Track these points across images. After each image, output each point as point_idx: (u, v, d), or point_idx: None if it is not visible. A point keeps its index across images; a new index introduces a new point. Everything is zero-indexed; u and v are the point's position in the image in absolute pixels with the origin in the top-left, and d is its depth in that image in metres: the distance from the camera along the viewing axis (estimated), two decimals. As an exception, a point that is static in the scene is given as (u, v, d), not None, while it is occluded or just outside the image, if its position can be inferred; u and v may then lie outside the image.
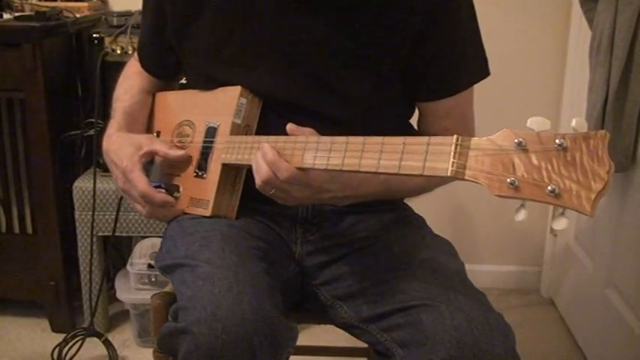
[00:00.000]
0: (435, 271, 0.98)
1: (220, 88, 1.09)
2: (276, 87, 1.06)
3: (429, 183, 1.09)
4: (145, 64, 1.24)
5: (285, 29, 1.03)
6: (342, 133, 0.88)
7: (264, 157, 0.91)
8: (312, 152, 0.88)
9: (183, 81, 1.62)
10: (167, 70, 1.22)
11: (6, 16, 1.84)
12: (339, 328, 1.08)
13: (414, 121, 1.17)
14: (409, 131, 1.16)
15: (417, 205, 1.21)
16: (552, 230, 2.21)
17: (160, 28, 1.14)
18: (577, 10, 1.90)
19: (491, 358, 0.85)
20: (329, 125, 0.99)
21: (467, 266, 1.03)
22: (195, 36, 1.09)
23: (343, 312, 1.03)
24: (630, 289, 1.65)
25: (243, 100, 1.06)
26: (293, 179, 0.90)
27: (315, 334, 1.79)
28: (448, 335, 0.85)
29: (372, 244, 1.07)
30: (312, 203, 0.98)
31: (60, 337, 1.82)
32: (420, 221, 1.17)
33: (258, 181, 0.93)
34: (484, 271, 2.26)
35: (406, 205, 1.21)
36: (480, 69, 1.08)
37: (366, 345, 1.09)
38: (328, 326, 1.11)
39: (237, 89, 1.06)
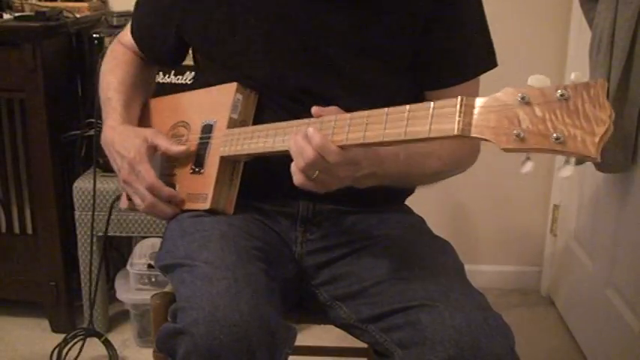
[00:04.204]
0: (434, 271, 0.98)
1: (215, 87, 1.11)
2: (286, 73, 1.06)
3: (445, 166, 1.08)
4: (143, 46, 1.22)
5: (296, 17, 1.04)
6: None
7: (311, 140, 0.87)
8: (330, 129, 0.89)
9: (179, 81, 1.63)
10: (166, 56, 1.22)
11: (6, 16, 1.84)
12: (339, 328, 1.08)
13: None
14: None
15: (417, 205, 1.21)
16: (552, 229, 2.21)
17: (169, 16, 1.14)
18: (577, 10, 1.90)
19: (491, 358, 0.85)
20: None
21: (467, 266, 1.03)
22: (205, 22, 1.10)
23: (342, 312, 1.03)
24: (630, 289, 1.65)
25: (239, 96, 1.07)
26: (342, 160, 0.87)
27: (315, 334, 1.79)
28: (447, 335, 0.86)
29: (371, 245, 1.07)
30: (349, 184, 0.94)
31: (60, 337, 1.82)
32: (420, 221, 1.17)
33: (301, 164, 0.88)
34: (484, 271, 2.26)
35: (406, 205, 1.21)
36: (487, 59, 1.09)
37: (366, 345, 1.09)
38: (328, 326, 1.11)
39: (234, 85, 1.07)
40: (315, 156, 0.87)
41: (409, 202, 1.22)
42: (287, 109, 1.06)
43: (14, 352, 1.88)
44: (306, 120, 0.93)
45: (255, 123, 1.09)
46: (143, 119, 1.23)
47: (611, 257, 1.74)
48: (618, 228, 1.70)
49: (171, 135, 1.17)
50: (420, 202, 1.22)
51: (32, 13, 1.81)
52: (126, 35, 1.25)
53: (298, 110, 1.03)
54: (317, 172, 0.88)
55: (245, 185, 1.08)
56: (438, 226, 1.17)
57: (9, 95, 1.91)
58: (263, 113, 1.09)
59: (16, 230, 2.11)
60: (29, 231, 2.11)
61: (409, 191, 1.21)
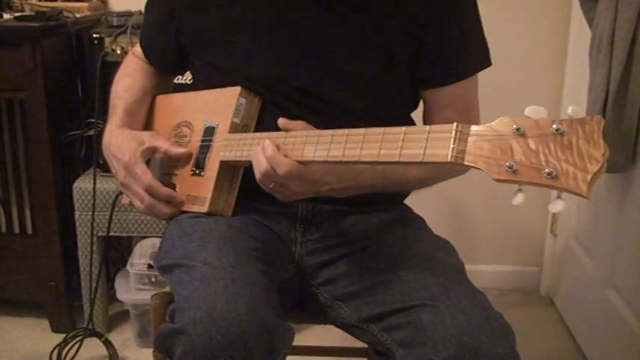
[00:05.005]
0: (435, 271, 0.98)
1: (220, 89, 1.10)
2: (284, 73, 1.06)
3: (429, 174, 1.09)
4: (149, 56, 1.24)
5: (294, 14, 1.04)
6: (346, 122, 0.89)
7: (264, 152, 0.93)
8: (312, 145, 0.90)
9: (179, 81, 1.64)
10: (170, 64, 1.23)
11: (6, 16, 1.84)
12: (339, 328, 1.08)
13: (417, 113, 1.17)
14: (410, 124, 1.17)
15: (417, 205, 1.21)
16: (552, 229, 2.21)
17: (168, 22, 1.15)
18: (577, 10, 1.90)
19: (492, 357, 0.85)
20: (334, 113, 0.99)
21: (467, 266, 1.03)
22: (203, 25, 1.10)
23: (343, 312, 1.03)
24: (630, 289, 1.65)
25: (243, 100, 1.07)
26: (291, 173, 0.91)
27: (315, 334, 1.79)
28: (448, 335, 0.85)
29: (372, 244, 1.07)
30: (311, 196, 0.99)
31: (60, 337, 1.82)
32: (419, 221, 1.17)
33: (257, 174, 0.95)
34: (484, 271, 2.26)
35: (406, 205, 1.21)
36: (482, 58, 1.10)
37: (366, 345, 1.09)
38: (328, 326, 1.11)
39: (237, 89, 1.07)
40: (266, 167, 0.92)
41: (409, 202, 1.22)
42: (287, 110, 1.06)
43: (14, 352, 1.88)
44: (304, 132, 0.93)
45: (256, 126, 1.09)
46: (148, 116, 1.24)
47: (611, 257, 1.74)
48: (618, 228, 1.70)
49: (174, 134, 1.17)
50: (420, 202, 1.22)
51: (32, 13, 1.81)
52: (138, 46, 1.28)
53: (298, 112, 1.03)
54: (272, 183, 0.94)
55: (244, 186, 1.08)
56: (438, 226, 1.17)
57: (9, 95, 1.91)
58: (263, 115, 1.09)
59: (16, 230, 2.11)
60: (29, 231, 2.11)
61: (408, 191, 1.21)
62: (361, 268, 1.04)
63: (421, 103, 1.16)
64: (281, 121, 0.95)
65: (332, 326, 1.10)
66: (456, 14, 1.05)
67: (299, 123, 0.95)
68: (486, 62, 1.10)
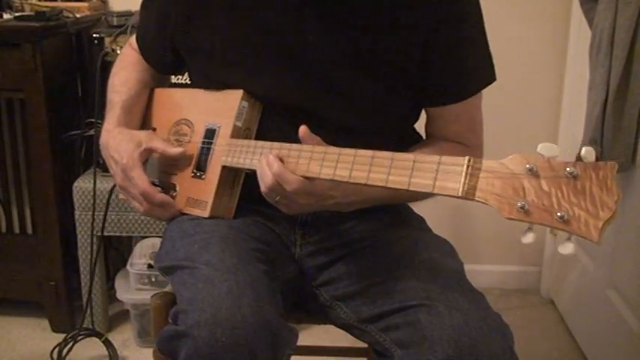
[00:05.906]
0: (434, 271, 0.98)
1: (222, 91, 1.09)
2: (281, 90, 1.05)
3: None
4: (145, 55, 1.23)
5: (290, 31, 1.02)
6: (347, 139, 0.89)
7: (270, 167, 0.92)
8: (318, 162, 0.89)
9: (176, 80, 1.64)
10: (167, 65, 1.22)
11: (6, 16, 1.84)
12: (339, 328, 1.08)
13: (419, 123, 1.17)
14: (414, 138, 1.16)
15: (417, 205, 1.21)
16: (552, 231, 2.20)
17: (164, 24, 1.14)
18: (577, 10, 1.90)
19: (489, 358, 0.85)
20: (334, 130, 0.98)
21: (467, 266, 1.03)
22: (199, 37, 1.09)
23: (342, 312, 1.03)
24: (630, 289, 1.65)
25: (245, 104, 1.06)
26: (299, 190, 0.90)
27: (315, 334, 1.79)
28: (446, 335, 0.85)
29: (371, 245, 1.07)
30: (316, 210, 0.98)
31: (60, 337, 1.82)
32: (419, 221, 1.17)
33: (263, 188, 0.94)
34: (484, 271, 2.26)
35: (406, 205, 1.21)
36: (487, 74, 1.08)
37: (366, 345, 1.09)
38: (328, 326, 1.11)
39: (240, 92, 1.06)
40: (273, 182, 0.91)
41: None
42: (287, 121, 1.05)
43: (14, 352, 1.88)
44: (309, 147, 0.91)
45: (258, 131, 1.08)
46: (147, 109, 1.23)
47: (611, 257, 1.74)
48: (618, 228, 1.70)
49: (174, 132, 1.17)
50: (420, 202, 1.22)
51: (32, 13, 1.81)
52: (134, 38, 1.26)
53: (296, 123, 1.03)
54: (278, 196, 0.94)
55: (245, 189, 1.08)
56: (438, 226, 1.17)
57: (9, 95, 1.91)
58: (263, 121, 1.09)
59: (16, 230, 2.11)
60: (29, 231, 2.11)
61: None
62: (361, 268, 1.04)
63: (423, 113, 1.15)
64: (303, 131, 0.92)
65: (332, 326, 1.10)
66: (460, 32, 1.02)
67: (316, 138, 0.92)
68: (491, 78, 1.08)
